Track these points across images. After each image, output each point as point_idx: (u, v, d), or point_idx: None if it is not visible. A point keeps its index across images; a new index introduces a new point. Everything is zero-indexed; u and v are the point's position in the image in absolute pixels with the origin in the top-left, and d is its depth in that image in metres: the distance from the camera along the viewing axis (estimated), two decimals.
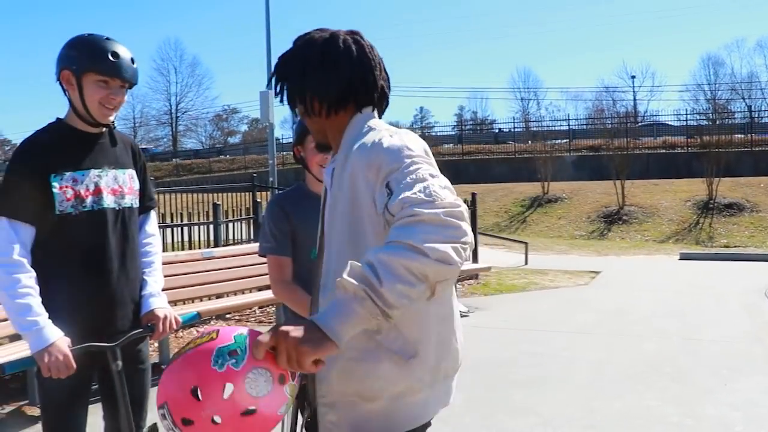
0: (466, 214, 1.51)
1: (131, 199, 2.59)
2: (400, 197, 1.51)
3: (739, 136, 29.10)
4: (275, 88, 1.90)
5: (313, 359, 1.37)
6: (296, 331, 1.37)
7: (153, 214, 2.80)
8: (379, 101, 1.90)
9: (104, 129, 2.54)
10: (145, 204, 2.71)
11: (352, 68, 1.83)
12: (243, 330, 1.44)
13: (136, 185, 2.63)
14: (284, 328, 1.38)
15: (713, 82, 48.20)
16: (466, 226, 1.48)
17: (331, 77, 1.82)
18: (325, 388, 1.74)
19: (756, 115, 37.84)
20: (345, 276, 1.41)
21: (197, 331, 1.34)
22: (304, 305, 2.58)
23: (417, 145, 1.68)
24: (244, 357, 1.39)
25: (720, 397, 5.02)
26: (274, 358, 1.39)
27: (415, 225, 1.45)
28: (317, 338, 1.38)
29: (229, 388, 1.36)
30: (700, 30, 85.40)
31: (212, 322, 7.45)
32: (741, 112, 41.02)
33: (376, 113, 1.89)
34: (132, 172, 2.62)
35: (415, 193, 1.50)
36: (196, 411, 1.37)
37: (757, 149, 27.45)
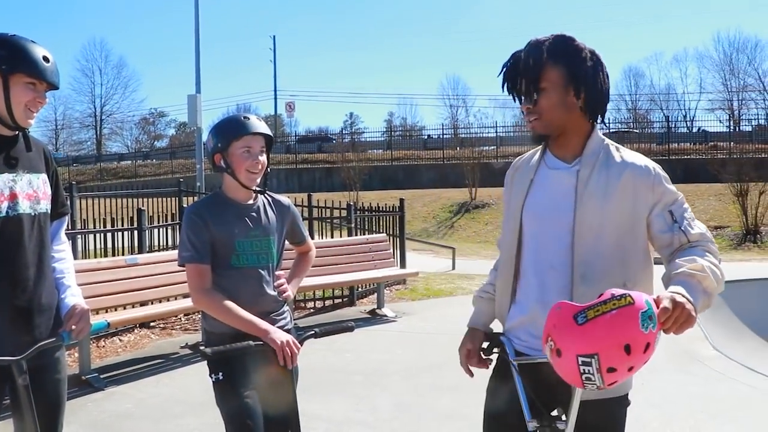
0: None
1: (46, 205, 2.52)
2: (698, 231, 2.10)
3: (657, 144, 30.16)
4: (528, 63, 2.14)
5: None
6: (688, 304, 1.81)
7: (65, 220, 2.73)
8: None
9: (18, 132, 2.46)
10: (58, 210, 2.63)
11: (608, 81, 2.22)
12: (645, 295, 1.78)
13: (50, 190, 2.55)
14: (681, 299, 1.81)
15: (634, 92, 49.81)
16: None
17: (603, 83, 2.18)
18: None
19: (672, 125, 39.33)
20: (708, 273, 1.95)
21: (612, 294, 1.76)
22: (226, 312, 2.62)
23: None
24: (655, 321, 1.75)
25: (637, 395, 5.19)
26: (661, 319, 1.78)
27: (716, 255, 2.07)
28: (694, 314, 1.83)
29: (648, 345, 1.73)
30: (622, 43, 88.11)
31: (136, 330, 7.30)
32: (659, 122, 42.55)
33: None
34: (45, 177, 2.54)
35: (706, 232, 2.12)
36: (623, 362, 1.73)
37: (673, 158, 28.53)
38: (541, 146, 2.30)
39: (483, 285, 2.51)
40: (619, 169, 2.13)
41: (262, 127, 2.78)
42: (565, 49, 2.14)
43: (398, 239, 10.91)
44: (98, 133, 57.02)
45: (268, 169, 2.87)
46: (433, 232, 22.66)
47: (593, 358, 1.72)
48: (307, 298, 9.20)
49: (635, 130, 33.85)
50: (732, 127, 38.91)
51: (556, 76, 2.12)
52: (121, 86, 56.89)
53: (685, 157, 29.03)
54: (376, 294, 9.06)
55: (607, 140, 2.22)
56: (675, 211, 2.11)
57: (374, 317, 8.52)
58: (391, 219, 11.14)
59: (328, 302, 9.35)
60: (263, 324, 2.61)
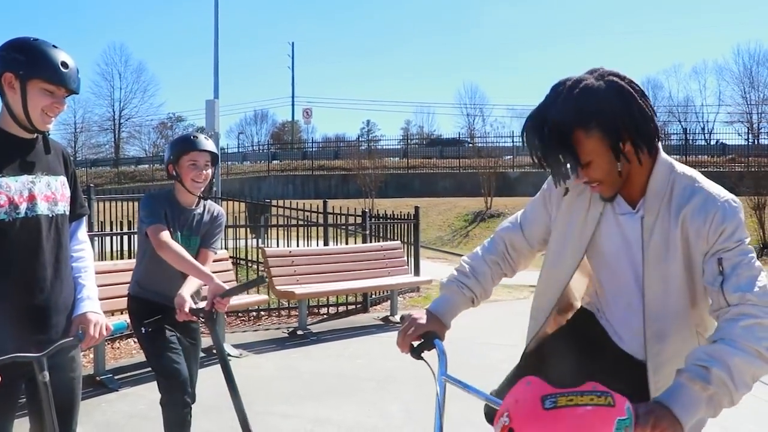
0: None
1: (63, 206, 2.56)
2: (742, 292, 1.76)
3: (675, 157, 30.01)
4: (559, 141, 1.83)
5: None
6: (672, 427, 1.61)
7: (84, 221, 2.78)
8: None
9: (38, 135, 2.50)
10: (77, 211, 2.68)
11: (648, 106, 1.90)
12: (628, 402, 1.52)
13: (68, 192, 2.60)
14: (664, 420, 1.61)
15: (652, 104, 49.44)
16: None
17: (643, 115, 1.87)
18: None
19: (690, 138, 39.16)
20: (718, 387, 1.66)
21: (594, 387, 1.49)
22: (183, 261, 3.30)
23: (742, 210, 1.90)
24: None
25: None
26: None
27: (758, 328, 1.71)
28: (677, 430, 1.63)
29: None
30: (641, 54, 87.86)
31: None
32: (677, 134, 42.26)
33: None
34: (63, 179, 2.59)
35: (755, 293, 1.76)
36: None
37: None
38: None
39: (463, 274, 2.31)
40: (677, 212, 1.90)
41: (208, 146, 3.42)
42: (592, 107, 1.82)
43: (413, 247, 10.93)
44: (117, 136, 57.42)
45: (213, 181, 3.57)
46: (448, 240, 22.64)
47: None
48: (320, 304, 9.23)
49: None
50: (751, 140, 38.61)
51: (595, 143, 1.84)
52: (140, 90, 57.20)
53: (703, 169, 28.53)
54: (389, 301, 9.08)
55: (676, 170, 1.95)
56: (725, 260, 1.81)
57: (387, 324, 8.53)
58: (405, 227, 11.15)
59: (341, 308, 9.38)
60: (208, 272, 3.33)
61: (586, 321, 2.27)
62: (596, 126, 1.81)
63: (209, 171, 3.45)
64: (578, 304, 2.37)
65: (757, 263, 1.83)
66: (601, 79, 1.86)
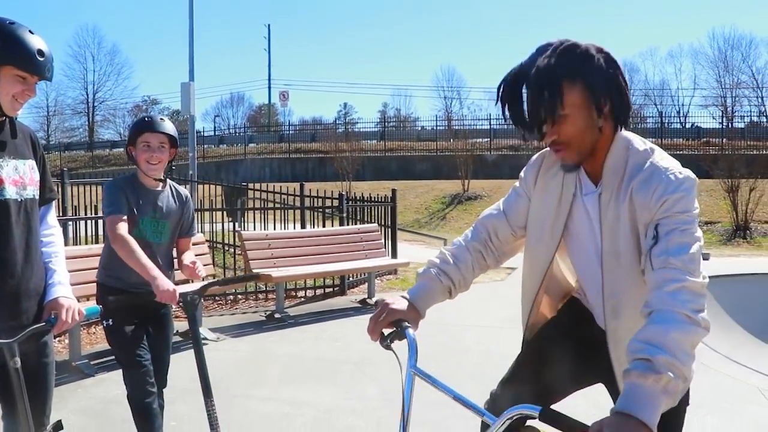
0: None
1: (33, 191, 2.52)
2: (666, 255, 1.72)
3: (651, 139, 30.32)
4: (542, 88, 1.84)
5: None
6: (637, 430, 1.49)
7: (53, 205, 2.74)
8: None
9: (5, 118, 2.46)
10: (46, 196, 2.64)
11: (625, 83, 1.94)
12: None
13: (37, 176, 2.56)
14: (616, 426, 1.47)
15: (629, 87, 49.83)
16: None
17: (625, 85, 1.93)
18: None
19: (666, 121, 39.51)
20: (667, 373, 1.57)
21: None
22: (131, 254, 3.20)
23: (692, 184, 1.86)
24: None
25: None
26: None
27: (683, 292, 1.68)
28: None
29: None
30: (617, 37, 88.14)
31: None
32: (653, 117, 42.60)
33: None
34: (32, 162, 2.55)
35: (680, 258, 1.71)
36: None
37: (666, 153, 28.64)
38: None
39: (442, 260, 2.32)
40: (626, 187, 1.91)
41: (163, 127, 3.36)
42: (579, 62, 1.86)
43: (390, 229, 10.94)
44: (90, 120, 56.68)
45: (173, 165, 3.46)
46: (425, 223, 22.70)
47: None
48: (298, 287, 9.22)
49: None
50: (725, 124, 39.02)
51: (577, 97, 1.85)
52: (114, 73, 56.49)
53: (678, 152, 29.11)
54: (366, 283, 9.10)
55: (633, 147, 1.96)
56: (661, 226, 1.79)
57: (365, 306, 8.55)
58: (382, 209, 11.17)
59: (319, 291, 9.39)
60: (154, 271, 3.16)
61: (586, 315, 2.25)
62: (582, 81, 1.85)
63: (165, 153, 3.42)
64: (575, 287, 2.37)
65: (697, 233, 1.79)
66: (594, 48, 1.91)
